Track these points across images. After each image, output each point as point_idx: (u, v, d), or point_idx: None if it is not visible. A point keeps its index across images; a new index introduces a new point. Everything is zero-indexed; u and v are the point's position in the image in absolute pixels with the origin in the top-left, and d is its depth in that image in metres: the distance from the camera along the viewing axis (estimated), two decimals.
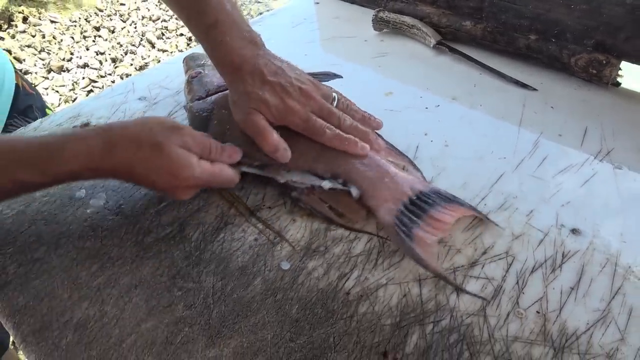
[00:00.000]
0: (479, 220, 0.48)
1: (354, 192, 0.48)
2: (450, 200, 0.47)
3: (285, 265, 0.44)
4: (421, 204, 0.46)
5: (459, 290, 0.41)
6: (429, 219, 0.45)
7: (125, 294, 0.43)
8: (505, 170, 0.53)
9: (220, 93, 0.58)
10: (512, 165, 0.54)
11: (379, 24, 0.79)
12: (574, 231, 0.46)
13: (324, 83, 0.56)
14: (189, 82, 0.62)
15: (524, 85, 0.67)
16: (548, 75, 0.68)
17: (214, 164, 0.48)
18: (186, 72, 0.65)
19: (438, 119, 0.61)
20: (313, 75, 0.64)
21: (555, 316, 0.40)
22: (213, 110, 0.56)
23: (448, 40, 0.75)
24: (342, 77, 0.65)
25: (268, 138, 0.49)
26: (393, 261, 0.44)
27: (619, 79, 0.65)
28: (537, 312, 0.40)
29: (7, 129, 0.76)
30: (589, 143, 0.57)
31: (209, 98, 0.58)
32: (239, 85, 0.51)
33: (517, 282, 0.42)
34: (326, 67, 0.72)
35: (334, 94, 0.54)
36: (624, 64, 0.65)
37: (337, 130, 0.50)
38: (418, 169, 0.53)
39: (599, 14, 0.65)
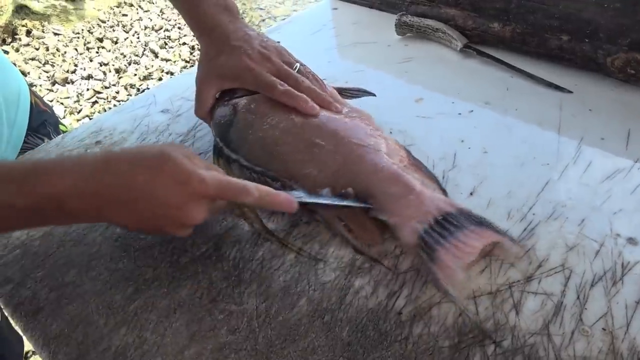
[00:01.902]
0: (529, 230, 0.45)
1: (371, 213, 0.44)
2: (479, 223, 0.42)
3: (331, 284, 0.42)
4: (447, 225, 0.41)
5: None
6: (455, 242, 0.40)
7: (165, 318, 0.40)
8: (550, 177, 0.51)
9: (243, 97, 0.56)
10: (557, 171, 0.52)
11: (402, 28, 0.77)
12: (631, 240, 0.44)
13: (355, 100, 0.55)
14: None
15: (558, 88, 0.64)
16: (582, 77, 0.66)
17: None
18: None
19: (473, 125, 0.59)
20: (344, 89, 0.62)
21: (624, 333, 0.37)
22: (235, 114, 0.54)
23: (475, 43, 0.73)
24: (375, 95, 0.62)
25: (200, 107, 0.55)
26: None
27: None
28: (603, 329, 0.38)
29: (22, 147, 0.74)
30: (634, 146, 0.55)
31: (232, 100, 0.56)
32: (208, 50, 0.55)
33: (578, 297, 0.40)
34: (350, 73, 0.70)
35: (297, 63, 0.56)
36: None
37: (289, 87, 0.51)
38: (444, 189, 0.49)
39: (634, 13, 0.63)
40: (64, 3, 3.35)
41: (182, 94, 0.67)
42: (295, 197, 0.43)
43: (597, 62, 0.65)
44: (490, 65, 0.70)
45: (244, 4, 3.43)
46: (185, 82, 0.70)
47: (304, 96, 0.51)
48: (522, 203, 0.48)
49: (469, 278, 0.42)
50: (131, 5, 3.51)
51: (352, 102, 0.58)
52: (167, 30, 3.25)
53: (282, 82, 0.52)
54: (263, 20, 3.28)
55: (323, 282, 0.42)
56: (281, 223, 0.48)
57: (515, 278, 0.41)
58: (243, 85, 0.54)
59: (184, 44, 3.12)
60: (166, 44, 3.12)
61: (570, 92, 0.64)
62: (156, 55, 3.02)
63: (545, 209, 0.48)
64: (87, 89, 2.67)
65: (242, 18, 0.57)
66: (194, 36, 0.58)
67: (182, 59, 2.92)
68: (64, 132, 0.73)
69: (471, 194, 0.50)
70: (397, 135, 0.58)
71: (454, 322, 0.38)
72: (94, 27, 3.23)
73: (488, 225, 0.42)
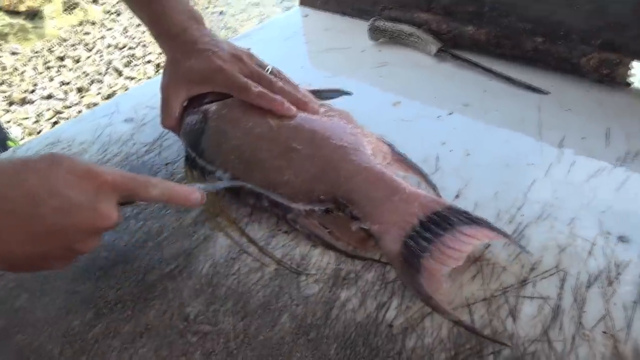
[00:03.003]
0: (519, 232, 0.43)
1: (354, 226, 0.42)
2: (469, 221, 0.39)
3: (315, 298, 0.38)
4: (434, 227, 0.38)
5: (475, 333, 0.35)
6: (442, 247, 0.37)
7: (130, 344, 0.36)
8: (535, 177, 0.49)
9: (213, 102, 0.53)
10: (542, 171, 0.50)
11: (376, 34, 0.76)
12: (622, 239, 0.43)
13: (331, 101, 0.52)
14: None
15: (535, 89, 0.64)
16: (557, 78, 0.66)
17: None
18: None
19: (453, 127, 0.57)
20: (319, 92, 0.60)
21: (625, 335, 0.35)
22: (206, 121, 0.51)
23: (449, 47, 0.72)
24: (351, 94, 0.60)
25: (167, 116, 0.52)
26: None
27: (630, 79, 0.63)
28: (604, 332, 0.36)
29: None
30: (615, 145, 0.54)
31: (202, 107, 0.53)
32: (174, 54, 0.52)
33: (575, 300, 0.38)
34: (324, 78, 0.68)
35: (269, 65, 0.54)
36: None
37: (264, 89, 0.49)
38: (432, 184, 0.47)
39: (604, 13, 0.64)
40: (22, 22, 3.25)
41: (147, 102, 0.63)
42: (197, 188, 0.40)
43: (571, 62, 0.64)
44: (466, 68, 0.69)
45: (211, 20, 3.40)
46: (151, 90, 0.66)
47: (279, 97, 0.48)
48: (510, 204, 0.46)
49: (461, 285, 0.39)
50: (94, 23, 3.43)
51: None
52: (131, 48, 3.18)
53: (255, 84, 0.49)
54: (229, 39, 3.25)
55: (306, 295, 0.39)
56: (258, 233, 0.44)
57: (509, 282, 0.39)
58: (214, 87, 0.51)
59: (149, 61, 3.06)
60: (130, 62, 3.05)
61: (547, 93, 0.63)
62: (120, 74, 2.94)
63: (534, 210, 0.46)
64: (48, 109, 2.57)
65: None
66: (158, 45, 0.55)
67: (146, 77, 2.86)
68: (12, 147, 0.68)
69: (457, 196, 0.47)
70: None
71: (449, 333, 0.36)
72: (54, 46, 3.13)
73: (480, 222, 0.39)
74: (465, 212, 0.40)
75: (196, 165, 0.49)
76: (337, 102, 0.58)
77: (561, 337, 0.35)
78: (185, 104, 0.53)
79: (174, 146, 0.55)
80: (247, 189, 0.46)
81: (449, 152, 0.53)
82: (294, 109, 0.49)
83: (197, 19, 0.54)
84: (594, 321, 0.36)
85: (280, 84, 0.51)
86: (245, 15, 3.70)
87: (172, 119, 0.52)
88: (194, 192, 0.39)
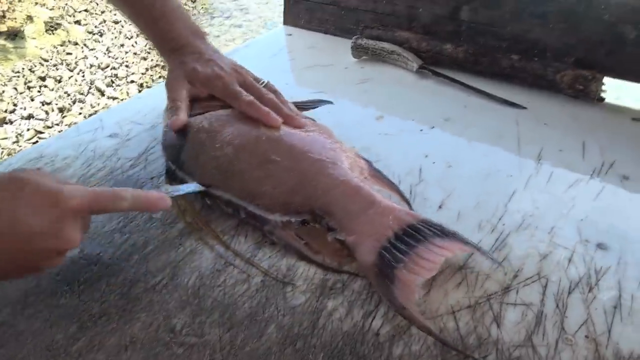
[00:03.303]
0: (501, 241, 0.44)
1: (330, 236, 0.42)
2: (441, 234, 0.39)
3: (302, 308, 0.39)
4: (408, 239, 0.39)
5: (448, 346, 0.35)
6: (415, 258, 0.38)
7: (115, 357, 0.35)
8: (515, 187, 0.51)
9: (196, 116, 0.53)
10: (521, 182, 0.52)
11: (358, 51, 0.78)
12: (600, 246, 0.44)
13: (316, 114, 0.56)
14: (167, 107, 0.57)
15: (513, 104, 0.66)
16: (533, 94, 0.68)
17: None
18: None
19: (436, 141, 0.59)
20: (301, 103, 0.61)
21: (606, 339, 0.36)
22: (187, 134, 0.51)
23: (429, 64, 0.74)
24: (332, 103, 0.61)
25: (177, 109, 0.52)
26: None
27: (602, 94, 0.66)
28: (586, 336, 0.36)
29: None
30: (591, 157, 0.56)
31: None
32: (176, 59, 0.56)
33: (557, 306, 0.39)
34: (309, 95, 0.69)
35: (264, 80, 0.58)
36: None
37: (253, 99, 0.52)
38: (407, 199, 0.48)
39: (578, 31, 0.67)
40: (2, 42, 3.22)
41: (132, 118, 0.63)
42: (164, 192, 0.42)
43: (547, 79, 0.67)
44: (446, 84, 0.71)
45: None
46: (136, 106, 0.66)
47: (267, 109, 0.50)
48: (492, 214, 0.47)
49: (446, 293, 0.40)
50: (76, 43, 3.42)
51: (312, 115, 0.56)
52: (114, 68, 3.18)
53: (247, 94, 0.52)
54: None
55: (293, 306, 0.39)
56: (244, 245, 0.44)
57: (493, 290, 0.40)
58: (212, 91, 0.55)
59: (132, 81, 3.05)
60: (113, 82, 3.04)
61: (524, 108, 0.65)
62: (102, 94, 2.93)
63: (515, 219, 0.47)
64: (28, 129, 2.54)
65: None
66: (164, 59, 0.59)
67: (129, 97, 2.85)
68: None
69: (440, 207, 0.48)
70: (362, 152, 0.56)
71: (435, 340, 0.36)
72: (35, 66, 3.10)
73: (452, 235, 0.40)
74: (439, 225, 0.40)
75: (176, 177, 0.49)
76: (321, 116, 0.60)
77: (545, 342, 0.36)
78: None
79: (159, 160, 0.55)
80: (224, 200, 0.46)
81: (432, 165, 0.54)
82: (279, 119, 0.50)
83: (202, 36, 0.59)
84: (576, 326, 0.37)
85: (270, 96, 0.54)
86: (229, 36, 3.74)
87: (182, 112, 0.53)
88: (163, 198, 0.40)
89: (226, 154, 0.48)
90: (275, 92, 0.56)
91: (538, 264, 0.42)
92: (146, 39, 0.59)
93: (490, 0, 0.71)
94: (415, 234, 0.39)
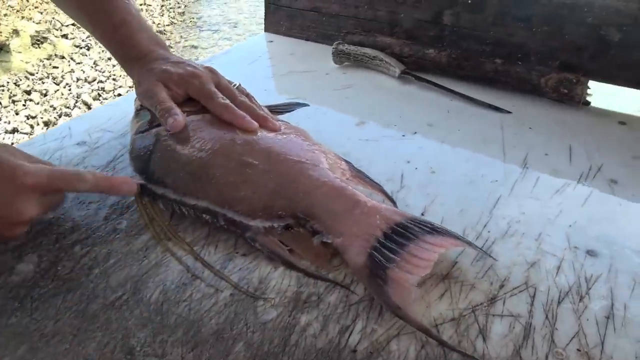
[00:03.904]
0: (486, 248, 0.42)
1: (316, 240, 0.40)
2: (432, 231, 0.38)
3: (273, 324, 0.36)
4: (398, 238, 0.38)
5: (447, 347, 0.34)
6: (407, 256, 0.36)
7: None
8: (500, 193, 0.49)
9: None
10: (507, 187, 0.49)
11: (340, 57, 0.76)
12: (590, 253, 0.42)
13: (295, 119, 0.54)
14: (135, 115, 0.54)
15: (497, 109, 0.64)
16: (518, 98, 0.67)
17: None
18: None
19: (418, 146, 0.56)
20: (276, 107, 0.59)
21: (599, 352, 0.34)
22: (156, 142, 0.49)
23: (412, 70, 0.72)
24: (308, 105, 0.59)
25: (160, 98, 0.49)
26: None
27: (588, 98, 0.64)
28: (578, 349, 0.34)
29: None
30: (577, 161, 0.54)
31: (152, 130, 0.51)
32: (141, 67, 0.53)
33: (547, 317, 0.36)
34: (288, 100, 0.66)
35: (236, 82, 0.56)
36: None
37: (229, 102, 0.50)
38: (391, 199, 0.47)
39: (561, 35, 0.65)
40: None
41: (102, 126, 0.60)
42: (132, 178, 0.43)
43: (531, 83, 0.65)
44: (429, 89, 0.69)
45: (183, 54, 3.41)
46: (106, 113, 0.63)
47: (242, 112, 0.48)
48: (476, 220, 0.45)
49: (429, 305, 0.37)
50: (62, 57, 3.39)
51: (293, 121, 0.54)
52: (101, 81, 3.15)
53: (223, 96, 0.50)
54: None
55: (264, 321, 0.36)
56: (214, 257, 0.42)
57: (478, 300, 0.37)
58: (187, 89, 0.51)
59: (119, 95, 3.02)
60: (100, 95, 3.01)
61: (509, 112, 0.63)
62: (89, 107, 2.89)
63: (500, 226, 0.45)
64: (12, 143, 2.49)
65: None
66: (125, 70, 0.56)
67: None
68: None
69: (422, 213, 0.46)
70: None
71: (417, 356, 0.33)
72: (21, 80, 3.06)
73: (443, 231, 0.38)
74: (429, 222, 0.39)
75: (145, 190, 0.46)
76: (301, 121, 0.57)
77: (534, 356, 0.33)
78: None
79: (129, 169, 0.52)
80: (201, 208, 0.43)
81: (414, 170, 0.52)
82: (255, 123, 0.48)
83: (164, 46, 0.56)
84: (567, 339, 0.35)
85: (243, 98, 0.51)
86: (217, 49, 3.73)
87: (177, 111, 0.50)
88: (128, 182, 0.42)
89: (199, 158, 0.45)
90: (247, 95, 0.54)
91: (525, 272, 0.40)
92: (105, 47, 0.56)
93: (473, 5, 0.70)
94: (404, 232, 0.38)
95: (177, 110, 0.49)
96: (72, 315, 0.37)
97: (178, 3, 4.67)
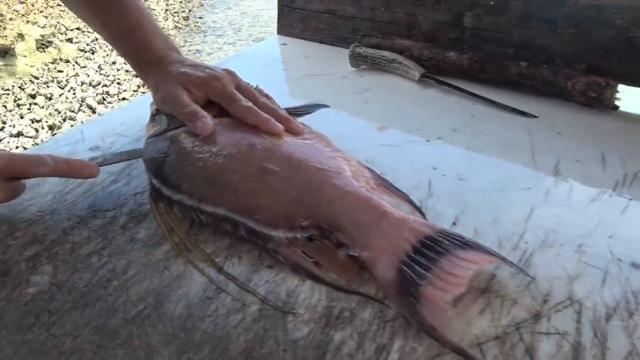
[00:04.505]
0: (524, 260, 0.40)
1: (341, 253, 0.38)
2: (464, 245, 0.36)
3: (305, 341, 0.34)
4: (429, 252, 0.35)
5: None
6: (440, 273, 0.34)
7: None
8: (534, 202, 0.46)
9: (180, 128, 0.49)
10: (540, 196, 0.47)
11: (357, 60, 0.74)
12: (635, 265, 0.40)
13: (315, 124, 0.53)
14: (151, 120, 0.52)
15: (522, 113, 0.62)
16: (543, 102, 0.65)
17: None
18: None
19: (443, 152, 0.54)
20: (294, 109, 0.57)
21: None
22: (171, 145, 0.47)
23: (432, 73, 0.70)
24: (328, 107, 0.57)
25: (184, 102, 0.48)
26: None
27: (617, 102, 0.62)
28: None
29: None
30: (611, 168, 0.52)
31: (167, 133, 0.49)
32: (157, 72, 0.51)
33: (596, 335, 0.34)
34: (307, 103, 0.65)
35: (254, 84, 0.54)
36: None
37: (251, 104, 0.48)
38: (419, 209, 0.44)
39: (588, 37, 0.63)
40: None
41: (115, 130, 0.58)
42: (94, 160, 0.43)
43: (557, 86, 0.63)
44: (451, 93, 0.67)
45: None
46: (119, 117, 0.61)
47: (266, 115, 0.47)
48: (511, 231, 0.43)
49: (469, 321, 0.35)
50: (67, 61, 3.39)
51: (311, 125, 0.52)
52: (105, 85, 3.14)
53: (244, 98, 0.49)
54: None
55: (295, 339, 0.34)
56: (238, 269, 0.39)
57: (521, 317, 0.35)
58: (208, 92, 0.50)
59: (124, 99, 3.02)
60: (104, 99, 3.00)
61: (535, 116, 0.61)
62: (93, 111, 2.89)
63: (537, 236, 0.42)
64: (17, 147, 2.48)
65: None
66: (140, 75, 0.55)
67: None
68: None
69: (454, 223, 0.44)
70: (365, 164, 0.52)
71: None
72: (26, 84, 3.06)
73: (476, 246, 0.36)
74: (459, 235, 0.37)
75: (161, 194, 0.44)
76: (320, 125, 0.55)
77: None
78: None
79: (144, 175, 0.50)
80: (220, 216, 0.41)
81: (442, 177, 0.50)
82: (280, 126, 0.46)
83: (178, 50, 0.55)
84: (619, 358, 0.32)
85: (264, 100, 0.50)
86: (222, 53, 3.73)
87: (203, 114, 0.48)
88: (89, 165, 0.43)
89: (216, 164, 0.43)
90: (267, 96, 0.53)
91: (568, 286, 0.38)
92: (116, 50, 0.55)
93: (495, 6, 0.68)
94: (435, 246, 0.35)
95: (204, 112, 0.47)
96: (91, 331, 0.35)
97: (182, 7, 4.68)
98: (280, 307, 0.36)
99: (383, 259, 0.36)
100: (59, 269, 0.40)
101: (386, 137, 0.58)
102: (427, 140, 0.57)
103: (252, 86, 0.53)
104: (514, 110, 0.63)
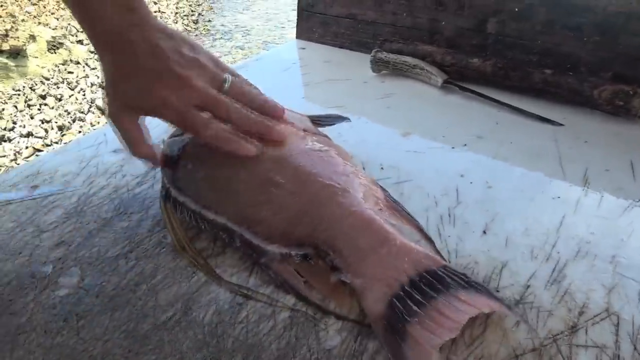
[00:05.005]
0: (558, 271, 0.39)
1: (334, 277, 0.36)
2: (467, 286, 0.33)
3: (339, 351, 0.33)
4: (426, 288, 0.33)
5: None
6: (433, 312, 0.31)
7: None
8: (565, 211, 0.46)
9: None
10: (570, 205, 0.47)
11: (378, 65, 0.74)
12: None
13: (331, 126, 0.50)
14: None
15: (548, 121, 0.61)
16: (568, 110, 0.64)
17: None
18: None
19: (470, 159, 0.54)
20: (317, 117, 0.56)
21: None
22: (186, 147, 0.46)
23: (455, 79, 0.70)
24: (349, 120, 0.57)
25: (132, 144, 0.43)
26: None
27: None
28: None
29: None
30: None
31: (186, 135, 0.48)
32: (113, 73, 0.41)
33: (635, 348, 0.33)
34: (328, 109, 0.64)
35: (227, 75, 0.44)
36: None
37: (223, 125, 0.41)
38: (429, 238, 0.41)
39: (615, 45, 0.63)
40: (4, 60, 3.20)
41: None
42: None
43: (583, 94, 0.62)
44: (474, 100, 0.67)
45: None
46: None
47: (237, 138, 0.41)
48: (543, 240, 0.42)
49: (505, 333, 0.34)
50: (77, 62, 3.41)
51: (333, 131, 0.51)
52: None
53: (211, 120, 0.41)
54: None
55: (328, 347, 0.33)
56: (266, 275, 0.39)
57: (558, 329, 0.34)
58: (166, 120, 0.42)
59: None
60: None
61: (561, 124, 0.61)
62: (103, 112, 2.89)
63: (570, 246, 0.42)
64: (27, 147, 2.49)
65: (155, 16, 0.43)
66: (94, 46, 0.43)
67: None
68: None
69: (484, 232, 0.43)
70: (390, 171, 0.51)
71: None
72: (36, 84, 3.08)
73: (478, 288, 0.33)
74: (464, 275, 0.34)
75: (169, 196, 0.44)
76: (343, 132, 0.55)
77: None
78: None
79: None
80: (220, 225, 0.40)
81: (470, 185, 0.49)
82: (258, 146, 0.42)
83: (132, 9, 0.41)
84: None
85: (238, 114, 0.42)
86: (230, 57, 3.74)
87: (140, 146, 0.44)
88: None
89: (225, 172, 0.42)
90: (246, 88, 0.45)
91: (605, 297, 0.37)
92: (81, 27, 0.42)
93: (519, 13, 0.68)
94: (434, 282, 0.33)
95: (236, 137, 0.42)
96: (121, 336, 0.34)
97: (192, 11, 4.70)
98: (312, 314, 0.35)
99: (375, 289, 0.34)
100: (86, 272, 0.40)
101: (411, 143, 0.57)
102: (453, 147, 0.56)
103: (226, 78, 0.44)
104: (539, 118, 0.62)
